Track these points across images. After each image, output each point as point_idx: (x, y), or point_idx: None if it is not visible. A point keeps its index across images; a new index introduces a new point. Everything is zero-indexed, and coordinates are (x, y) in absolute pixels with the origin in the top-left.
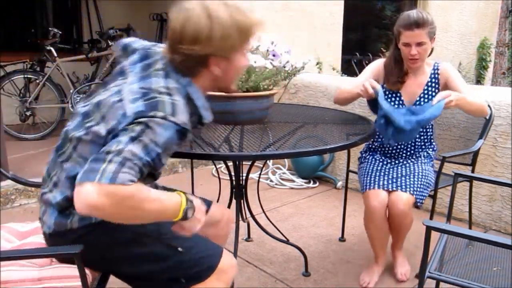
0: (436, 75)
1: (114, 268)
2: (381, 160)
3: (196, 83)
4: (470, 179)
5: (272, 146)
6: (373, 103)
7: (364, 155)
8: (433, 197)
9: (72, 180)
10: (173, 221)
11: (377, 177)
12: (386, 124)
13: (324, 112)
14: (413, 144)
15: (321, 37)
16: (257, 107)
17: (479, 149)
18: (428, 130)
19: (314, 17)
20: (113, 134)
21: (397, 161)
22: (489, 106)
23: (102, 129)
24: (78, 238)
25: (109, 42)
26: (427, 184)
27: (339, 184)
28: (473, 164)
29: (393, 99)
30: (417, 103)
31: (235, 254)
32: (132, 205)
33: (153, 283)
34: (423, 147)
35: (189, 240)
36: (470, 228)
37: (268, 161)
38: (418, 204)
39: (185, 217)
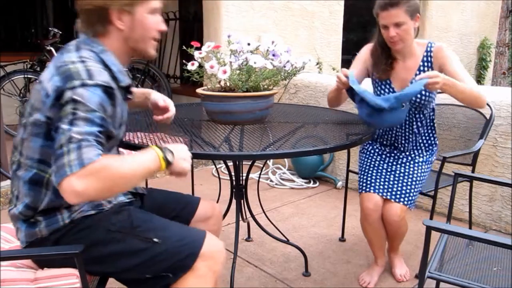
0: (429, 58)
1: (97, 269)
2: (379, 152)
3: (109, 47)
4: (471, 179)
5: (272, 146)
6: (352, 92)
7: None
8: (433, 197)
9: (28, 184)
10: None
11: (373, 178)
12: (367, 109)
13: (324, 112)
14: (410, 131)
15: (321, 37)
16: (257, 107)
17: (479, 149)
18: (426, 113)
19: (314, 17)
20: (54, 127)
21: (395, 152)
22: (489, 106)
23: (37, 116)
24: (52, 245)
25: None
26: (420, 189)
27: (339, 184)
28: (473, 164)
29: (383, 88)
30: None
31: (235, 254)
32: (113, 174)
33: (141, 281)
34: (423, 133)
35: (166, 230)
36: (470, 228)
37: (268, 161)
38: (410, 208)
39: (169, 163)
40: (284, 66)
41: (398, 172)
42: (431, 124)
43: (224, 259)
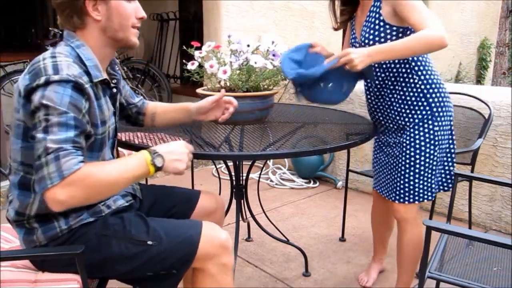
0: None
1: (95, 274)
2: (380, 144)
3: (88, 40)
4: (470, 179)
5: (272, 146)
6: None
7: None
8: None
9: (17, 189)
10: None
11: (376, 173)
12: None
13: (324, 112)
14: (380, 87)
15: (321, 37)
16: (257, 107)
17: (478, 148)
18: (399, 66)
19: (314, 17)
20: (30, 134)
21: (389, 138)
22: (488, 105)
23: (16, 116)
24: None
25: None
26: (417, 178)
27: (339, 184)
28: (472, 163)
29: (351, 33)
30: (363, 34)
31: (235, 254)
32: (95, 182)
33: (145, 279)
34: (394, 89)
35: (162, 230)
36: (470, 228)
37: (268, 161)
38: (423, 200)
39: (158, 168)
40: None
41: (390, 164)
42: (405, 76)
43: (231, 247)
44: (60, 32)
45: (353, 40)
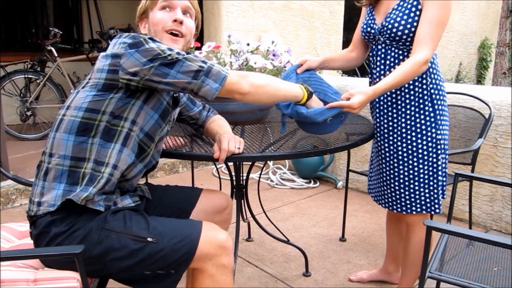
0: None
1: (93, 268)
2: (377, 148)
3: None
4: (471, 179)
5: (272, 147)
6: None
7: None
8: None
9: (72, 131)
10: None
11: (372, 182)
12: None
13: None
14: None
15: (321, 37)
16: (257, 107)
17: (479, 148)
18: (401, 49)
19: (314, 17)
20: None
21: (385, 142)
22: (488, 105)
23: (100, 75)
24: (51, 240)
25: (110, 42)
26: (421, 186)
27: (340, 184)
28: (473, 163)
29: (368, 16)
30: (392, 17)
31: (235, 254)
32: (258, 74)
33: (142, 279)
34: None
35: (162, 228)
36: (470, 228)
37: (268, 161)
38: (431, 212)
39: (309, 96)
40: (285, 66)
41: (386, 174)
42: (419, 75)
43: (231, 247)
44: (61, 32)
45: (371, 23)
